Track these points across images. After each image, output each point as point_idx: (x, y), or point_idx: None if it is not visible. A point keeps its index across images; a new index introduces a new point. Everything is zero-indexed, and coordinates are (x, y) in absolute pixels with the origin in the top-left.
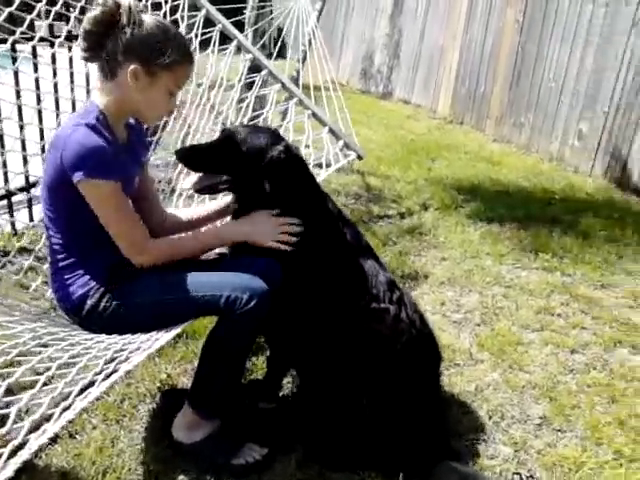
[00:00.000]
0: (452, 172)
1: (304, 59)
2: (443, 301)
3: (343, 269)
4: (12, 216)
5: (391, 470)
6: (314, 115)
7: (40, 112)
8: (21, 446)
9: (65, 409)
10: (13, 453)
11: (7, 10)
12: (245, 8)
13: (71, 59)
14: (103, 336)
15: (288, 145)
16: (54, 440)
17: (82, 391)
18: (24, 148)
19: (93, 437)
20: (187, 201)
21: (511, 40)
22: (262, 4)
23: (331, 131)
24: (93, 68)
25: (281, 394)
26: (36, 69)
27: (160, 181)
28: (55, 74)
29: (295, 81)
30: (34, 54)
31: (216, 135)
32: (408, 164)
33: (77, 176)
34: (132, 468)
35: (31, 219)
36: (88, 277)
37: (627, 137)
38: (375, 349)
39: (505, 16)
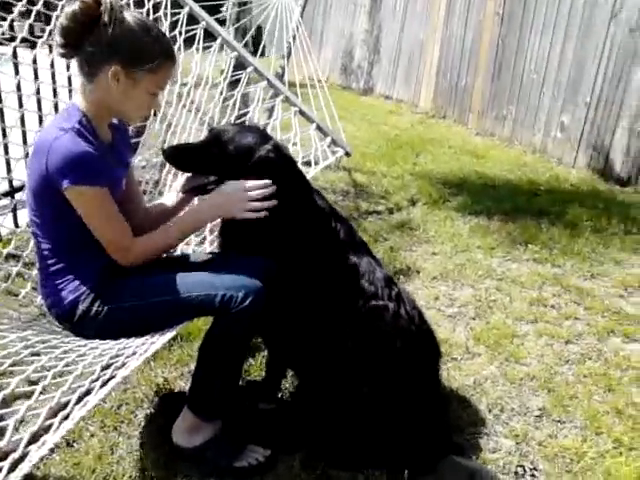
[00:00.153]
0: (437, 166)
1: (289, 55)
2: (437, 296)
3: (339, 266)
4: None
5: (396, 467)
6: (301, 112)
7: (22, 115)
8: (21, 459)
9: (64, 419)
10: (13, 467)
11: None
12: (222, 5)
13: (52, 60)
14: (97, 342)
15: (276, 144)
16: (52, 449)
17: (80, 399)
18: (7, 152)
19: (91, 445)
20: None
21: (491, 33)
22: (244, 0)
23: (318, 128)
24: (75, 68)
25: (280, 394)
26: (17, 71)
27: (148, 182)
28: (37, 76)
29: (280, 78)
30: (15, 55)
31: (203, 134)
32: (393, 159)
33: (64, 183)
34: (133, 475)
35: (16, 224)
36: (78, 282)
37: (609, 128)
38: (376, 347)
39: (485, 9)
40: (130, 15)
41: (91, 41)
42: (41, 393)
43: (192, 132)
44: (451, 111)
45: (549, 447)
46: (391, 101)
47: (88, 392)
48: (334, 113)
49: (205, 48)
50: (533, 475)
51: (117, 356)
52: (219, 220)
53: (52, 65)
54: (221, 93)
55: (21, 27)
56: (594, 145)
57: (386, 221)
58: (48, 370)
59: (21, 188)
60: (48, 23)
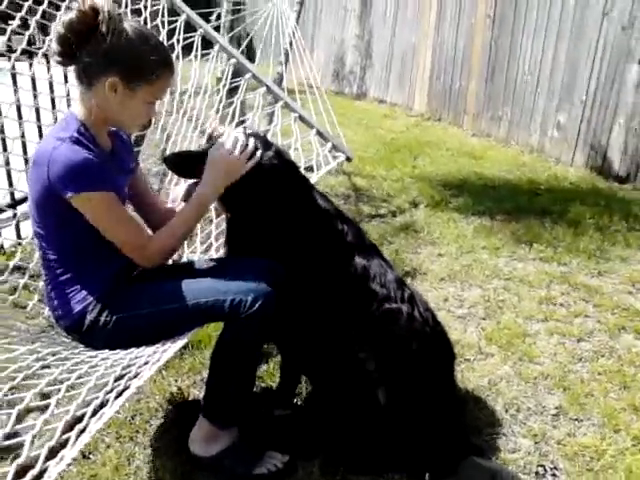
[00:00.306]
0: (436, 168)
1: (286, 61)
2: (446, 297)
3: (349, 269)
4: None
5: (416, 471)
6: (301, 118)
7: (22, 125)
8: (40, 475)
9: (80, 432)
10: None
11: None
12: (212, 14)
13: (49, 69)
14: (107, 352)
15: (278, 150)
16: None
17: (95, 412)
18: (8, 164)
19: (108, 456)
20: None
21: (483, 36)
22: (237, 7)
23: (319, 133)
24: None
25: (295, 400)
26: (15, 82)
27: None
28: (35, 86)
29: (279, 84)
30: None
31: (203, 142)
32: (392, 163)
33: (69, 192)
34: None
35: (19, 236)
36: (85, 292)
37: (606, 126)
38: (391, 350)
39: (476, 12)
40: (129, 25)
41: (88, 51)
42: (56, 406)
43: (193, 140)
44: (446, 113)
45: (568, 446)
46: (385, 105)
47: (103, 404)
48: (333, 118)
49: (202, 56)
50: (554, 475)
51: (129, 366)
52: (224, 227)
53: (50, 75)
54: (220, 101)
55: (19, 40)
56: (591, 143)
57: (390, 224)
58: (61, 383)
59: (23, 200)
60: (46, 33)
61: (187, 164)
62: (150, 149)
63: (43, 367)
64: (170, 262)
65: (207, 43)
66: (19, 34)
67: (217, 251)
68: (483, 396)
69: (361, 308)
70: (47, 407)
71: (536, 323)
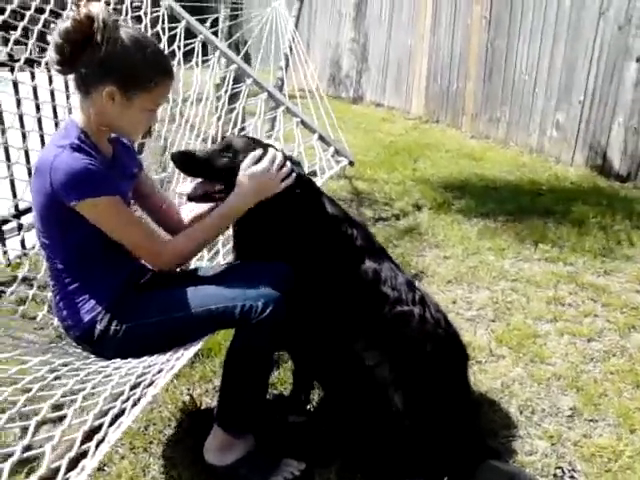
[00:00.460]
0: (437, 171)
1: (287, 66)
2: (454, 299)
3: (359, 273)
4: (4, 245)
5: (434, 475)
6: (302, 123)
7: (24, 134)
8: None
9: (100, 442)
10: None
11: None
12: (205, 21)
13: (50, 78)
14: (119, 362)
15: (285, 155)
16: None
17: (113, 421)
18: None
19: (123, 467)
20: None
21: (479, 37)
22: (235, 13)
23: (321, 138)
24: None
25: (309, 406)
26: (17, 90)
27: None
28: (36, 94)
29: (280, 89)
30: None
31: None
32: (392, 166)
33: (73, 200)
34: None
35: (23, 247)
36: (94, 302)
37: (605, 125)
38: (405, 353)
39: (472, 14)
40: (125, 33)
41: (85, 60)
42: (73, 417)
43: (195, 148)
44: (444, 115)
45: (585, 447)
46: (382, 108)
47: (120, 413)
48: (335, 122)
49: (203, 62)
50: (572, 477)
51: (144, 374)
52: (231, 233)
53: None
54: (223, 107)
55: (19, 50)
56: (591, 143)
57: (393, 227)
58: (76, 393)
59: (27, 210)
60: (47, 42)
61: (194, 163)
62: (151, 157)
63: (56, 378)
64: (178, 269)
65: (207, 49)
66: (20, 43)
67: (225, 257)
68: (497, 398)
69: (373, 311)
70: (62, 418)
71: (546, 324)
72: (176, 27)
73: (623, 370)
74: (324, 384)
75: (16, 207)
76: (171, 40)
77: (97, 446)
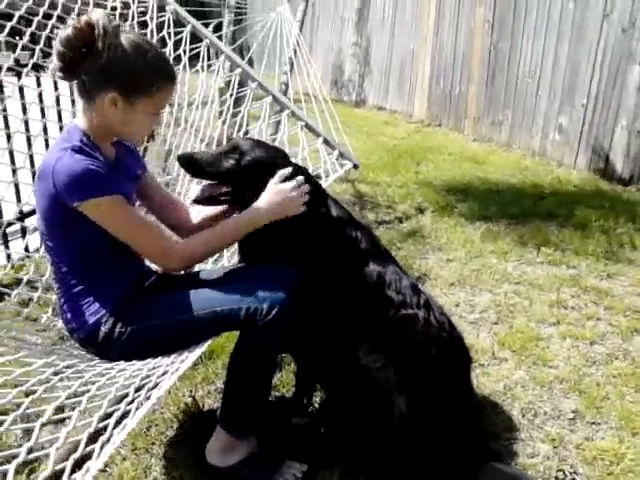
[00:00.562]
0: (440, 174)
1: (291, 70)
2: (457, 302)
3: (364, 276)
4: (7, 247)
5: (436, 477)
6: (307, 126)
7: (29, 138)
8: None
9: (105, 443)
10: None
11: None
12: (211, 25)
13: (56, 83)
14: (124, 364)
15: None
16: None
17: (118, 423)
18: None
19: (125, 468)
20: None
21: (482, 40)
22: (239, 18)
23: (325, 141)
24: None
25: (311, 408)
26: (22, 95)
27: None
28: (41, 99)
29: (284, 93)
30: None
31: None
32: (395, 169)
33: (75, 201)
34: None
35: (27, 250)
36: (98, 304)
37: (607, 128)
38: (409, 356)
39: (475, 17)
40: (126, 38)
41: (86, 67)
42: (77, 419)
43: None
44: (446, 119)
45: (587, 450)
46: (385, 112)
47: (124, 415)
48: (339, 126)
49: (208, 67)
50: (574, 479)
51: (148, 376)
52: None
53: (56, 87)
54: (228, 110)
55: (25, 55)
56: (594, 146)
57: (396, 230)
58: (81, 395)
59: (31, 213)
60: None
61: (201, 165)
62: (155, 161)
63: (61, 380)
64: (182, 272)
65: (211, 54)
66: (26, 49)
67: (229, 260)
68: (499, 401)
69: (377, 315)
70: (64, 420)
71: (548, 327)
72: (182, 32)
73: (625, 373)
74: (327, 386)
75: (20, 210)
76: (177, 45)
77: (102, 447)
